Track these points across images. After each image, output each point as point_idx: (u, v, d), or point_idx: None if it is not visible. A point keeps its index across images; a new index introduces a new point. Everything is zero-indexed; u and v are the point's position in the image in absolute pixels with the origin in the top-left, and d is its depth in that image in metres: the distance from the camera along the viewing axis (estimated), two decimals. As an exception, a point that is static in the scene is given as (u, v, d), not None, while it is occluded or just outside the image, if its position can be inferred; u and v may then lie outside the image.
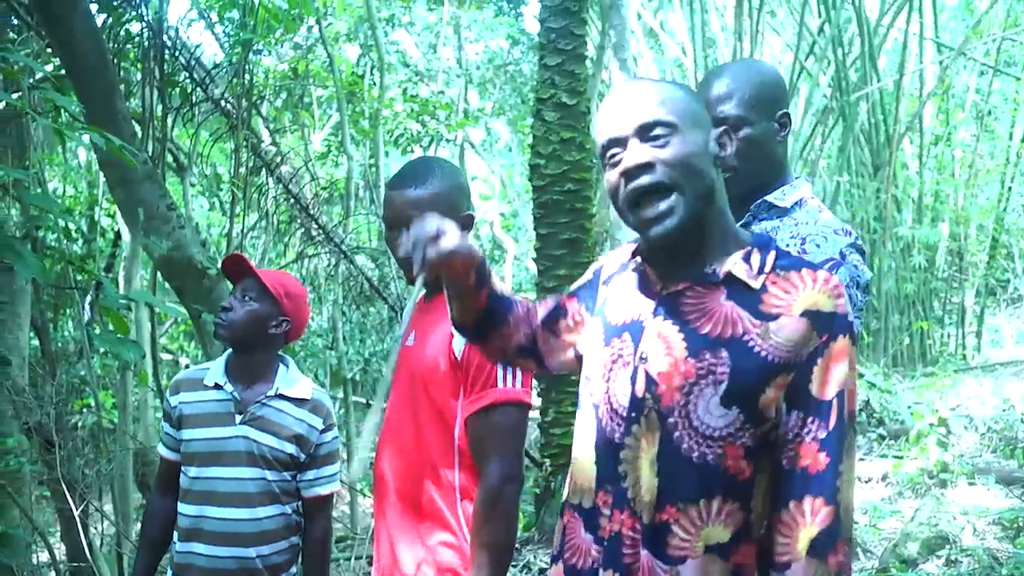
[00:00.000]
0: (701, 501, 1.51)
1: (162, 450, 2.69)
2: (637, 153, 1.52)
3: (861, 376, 9.17)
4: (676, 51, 12.60)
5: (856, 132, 11.06)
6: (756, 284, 1.52)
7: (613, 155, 1.56)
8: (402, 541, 2.19)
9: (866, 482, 6.59)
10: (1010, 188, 12.79)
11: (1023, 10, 12.73)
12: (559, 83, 5.27)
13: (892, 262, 11.51)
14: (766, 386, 1.49)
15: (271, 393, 2.59)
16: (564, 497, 1.72)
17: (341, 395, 8.16)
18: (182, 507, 2.57)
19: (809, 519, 1.47)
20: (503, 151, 17.43)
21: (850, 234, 2.00)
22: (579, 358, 1.78)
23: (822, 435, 1.49)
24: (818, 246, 1.95)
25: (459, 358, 2.09)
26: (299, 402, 2.62)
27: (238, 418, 2.55)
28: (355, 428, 7.91)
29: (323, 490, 2.66)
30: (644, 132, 1.52)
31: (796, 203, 2.06)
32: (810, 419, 1.49)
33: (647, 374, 1.54)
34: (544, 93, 5.32)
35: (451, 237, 1.59)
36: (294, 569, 2.65)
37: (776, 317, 1.50)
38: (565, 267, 5.25)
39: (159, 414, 4.71)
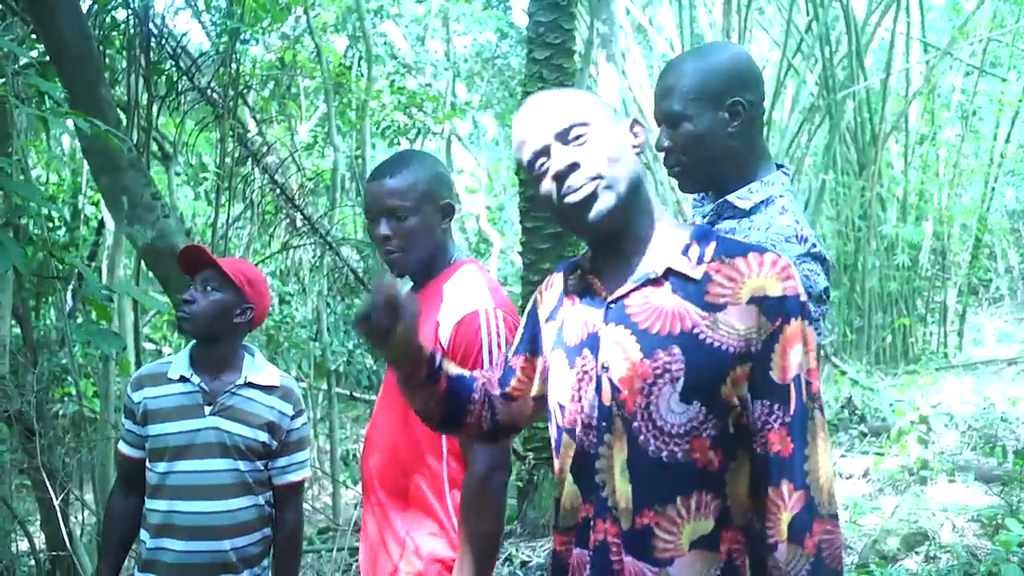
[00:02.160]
0: (678, 499, 1.52)
1: (123, 448, 2.64)
2: (563, 156, 1.57)
3: (843, 373, 9.23)
4: (664, 47, 12.60)
5: (842, 130, 11.10)
6: (697, 274, 1.54)
7: (541, 165, 1.61)
8: (389, 531, 2.20)
9: (847, 478, 6.63)
10: (993, 188, 12.86)
11: (1009, 11, 12.79)
12: (547, 77, 5.26)
13: (876, 260, 11.58)
14: (725, 376, 1.50)
15: (240, 382, 2.56)
16: (553, 527, 1.72)
17: (325, 387, 8.15)
18: (152, 503, 2.53)
19: (785, 504, 1.49)
20: (490, 144, 17.42)
21: (804, 241, 1.90)
22: (538, 401, 1.82)
23: (788, 419, 1.50)
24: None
25: (446, 346, 2.10)
26: (268, 389, 2.60)
27: (207, 409, 2.53)
28: (339, 419, 7.90)
29: (295, 477, 2.66)
30: (564, 136, 1.58)
31: (761, 203, 1.95)
32: (775, 406, 1.50)
33: (611, 382, 1.56)
34: (532, 87, 5.31)
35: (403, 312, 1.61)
36: (266, 561, 2.64)
37: (723, 307, 1.51)
38: (550, 261, 5.26)
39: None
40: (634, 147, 1.62)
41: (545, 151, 1.60)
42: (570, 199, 1.56)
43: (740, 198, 1.96)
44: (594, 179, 1.56)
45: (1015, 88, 12.43)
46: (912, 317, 11.96)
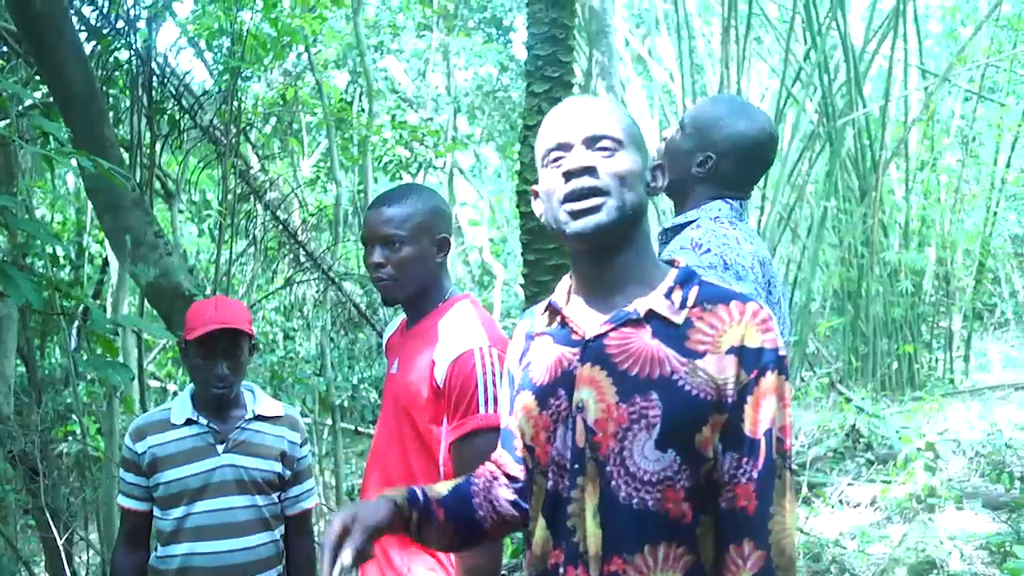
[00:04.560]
0: (646, 548, 1.48)
1: (127, 503, 2.60)
2: (582, 156, 1.55)
3: (848, 401, 9.19)
4: (664, 77, 12.68)
5: (843, 158, 11.13)
6: (679, 319, 1.51)
7: (556, 158, 1.58)
8: (389, 567, 2.19)
9: (855, 507, 6.59)
10: (995, 213, 12.86)
11: (1006, 37, 12.87)
12: (546, 110, 5.25)
13: (879, 287, 11.56)
14: (701, 425, 1.46)
15: (248, 416, 2.58)
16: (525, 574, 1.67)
17: (329, 422, 8.13)
18: (169, 549, 2.52)
19: (745, 562, 1.45)
20: (492, 177, 17.49)
21: (699, 247, 2.10)
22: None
23: (754, 474, 1.45)
24: None
25: (441, 385, 2.10)
26: (275, 420, 2.63)
27: (220, 448, 2.54)
28: (343, 454, 7.87)
29: (307, 504, 2.70)
30: (592, 142, 1.55)
31: (687, 223, 2.22)
32: (744, 459, 1.46)
33: (585, 423, 1.52)
34: (531, 120, 5.34)
35: (351, 536, 1.50)
36: None
37: (703, 355, 1.48)
38: (553, 293, 5.26)
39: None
40: (649, 186, 1.61)
41: (566, 147, 1.57)
42: (570, 206, 1.54)
43: (673, 222, 2.26)
44: (602, 193, 1.53)
45: (1014, 113, 12.47)
46: (917, 343, 11.92)
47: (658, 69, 13.01)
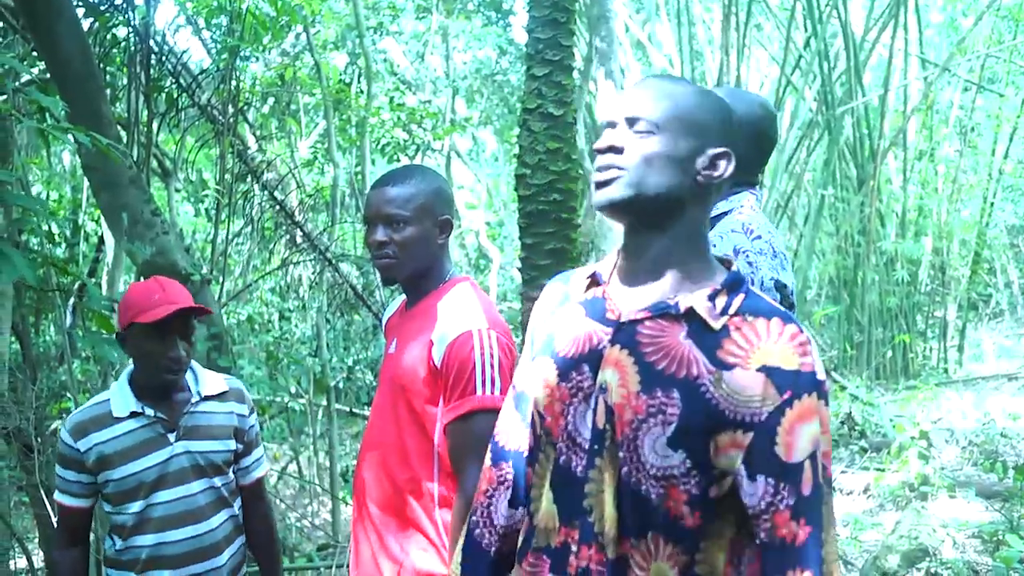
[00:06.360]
0: (650, 534, 1.48)
1: (65, 500, 2.50)
2: (617, 136, 1.56)
3: (843, 389, 9.22)
4: (664, 63, 12.64)
5: (841, 146, 11.12)
6: (717, 325, 1.47)
7: (605, 135, 1.61)
8: (381, 548, 2.20)
9: (848, 494, 6.62)
10: (992, 204, 12.87)
11: (1007, 28, 12.84)
12: (546, 94, 5.27)
13: (875, 276, 11.58)
14: (715, 435, 1.43)
15: (195, 399, 2.51)
16: (520, 545, 1.66)
17: (324, 403, 8.14)
18: (132, 541, 2.45)
19: None
20: (490, 160, 17.47)
21: (750, 232, 2.13)
22: None
23: (793, 501, 1.41)
24: (714, 245, 2.10)
25: (438, 365, 2.10)
26: (222, 397, 2.57)
27: (172, 436, 2.46)
28: (338, 436, 7.88)
29: (260, 472, 2.66)
30: (631, 123, 1.56)
31: (723, 213, 2.25)
32: (781, 485, 1.42)
33: (606, 404, 1.51)
34: (531, 103, 5.32)
35: None
36: (244, 568, 2.64)
37: (732, 367, 1.44)
38: (550, 277, 5.24)
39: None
40: (700, 172, 1.54)
41: (611, 125, 1.59)
42: (594, 178, 1.56)
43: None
44: (619, 169, 1.53)
45: (1013, 104, 12.46)
46: (912, 332, 11.95)
47: (658, 55, 12.96)
